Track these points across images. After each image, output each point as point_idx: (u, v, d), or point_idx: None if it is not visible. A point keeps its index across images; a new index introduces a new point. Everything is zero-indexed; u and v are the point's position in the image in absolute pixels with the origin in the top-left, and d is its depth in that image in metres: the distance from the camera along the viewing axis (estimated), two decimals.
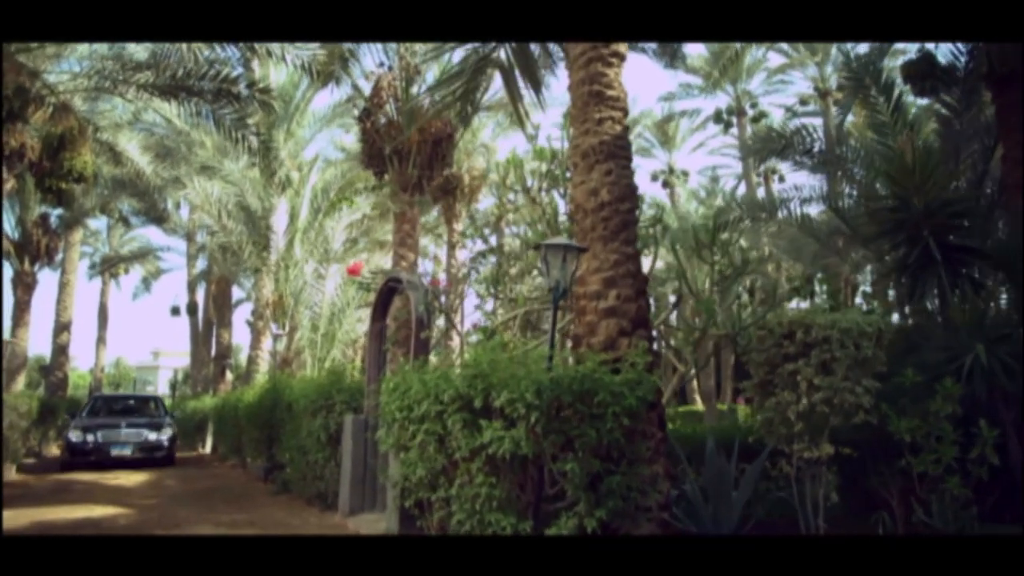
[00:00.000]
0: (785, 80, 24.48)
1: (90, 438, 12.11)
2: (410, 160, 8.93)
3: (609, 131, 5.37)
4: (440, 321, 7.10)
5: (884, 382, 5.17)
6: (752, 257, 6.36)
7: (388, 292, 7.47)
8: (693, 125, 26.78)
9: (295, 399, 8.95)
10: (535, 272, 7.41)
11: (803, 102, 24.58)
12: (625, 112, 5.55)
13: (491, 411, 4.37)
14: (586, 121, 5.42)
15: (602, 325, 5.00)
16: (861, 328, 5.22)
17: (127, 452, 12.21)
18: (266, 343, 16.77)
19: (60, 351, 21.22)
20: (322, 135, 18.02)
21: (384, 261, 13.66)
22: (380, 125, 9.15)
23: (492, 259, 7.07)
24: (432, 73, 9.95)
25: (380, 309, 7.60)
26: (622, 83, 5.59)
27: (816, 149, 10.24)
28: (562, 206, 6.63)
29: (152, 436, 12.59)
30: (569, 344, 5.90)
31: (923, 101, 11.55)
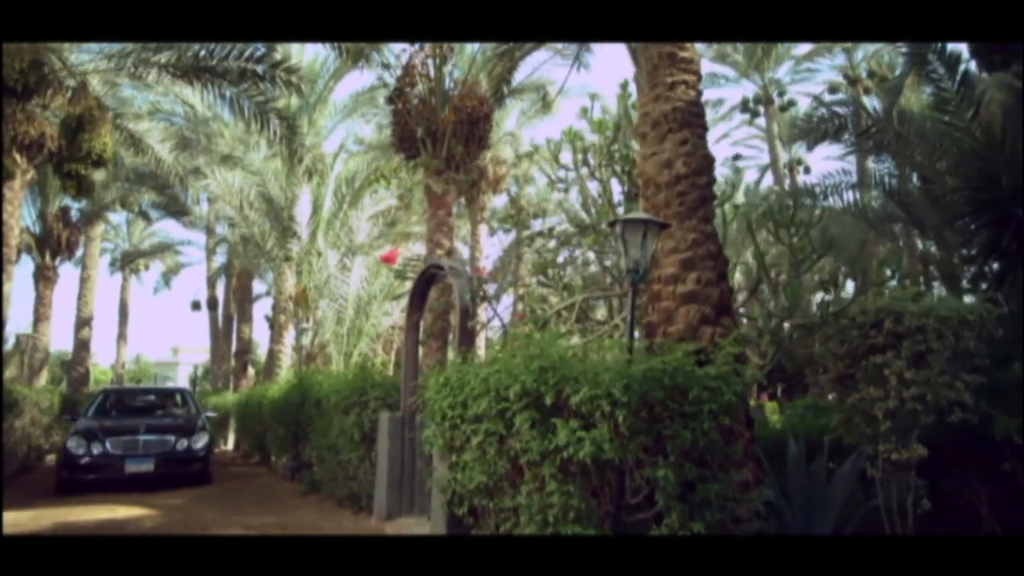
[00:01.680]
0: (812, 68, 23.71)
1: (97, 448, 8.47)
2: (445, 142, 8.41)
3: (683, 97, 4.81)
4: (481, 312, 6.56)
5: (984, 376, 4.61)
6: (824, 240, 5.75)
7: (427, 281, 6.97)
8: (717, 115, 26.06)
9: (325, 395, 8.49)
10: (585, 258, 6.88)
11: (832, 90, 23.73)
12: (699, 76, 4.99)
13: (562, 409, 3.85)
14: (656, 86, 4.86)
15: (681, 312, 4.45)
16: (961, 316, 4.64)
17: (148, 467, 8.60)
18: (288, 338, 16.40)
19: (82, 346, 21.08)
20: (342, 127, 17.67)
21: (410, 253, 13.17)
22: (412, 106, 8.64)
23: (538, 244, 6.52)
24: (468, 49, 9.44)
25: (418, 299, 7.09)
26: (694, 44, 5.03)
27: (872, 130, 9.58)
28: (614, 185, 6.08)
29: (182, 443, 8.96)
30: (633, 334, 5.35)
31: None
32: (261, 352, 27.55)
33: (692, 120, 4.80)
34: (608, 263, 6.06)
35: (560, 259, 6.58)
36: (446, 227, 8.44)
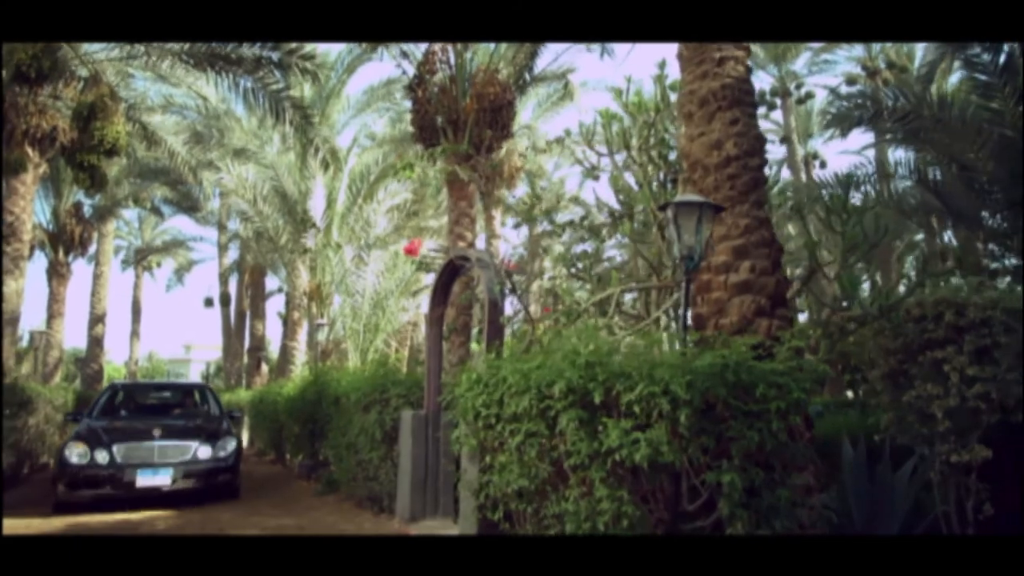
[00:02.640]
0: (829, 60, 23.21)
1: (101, 456, 6.86)
2: (466, 130, 8.12)
3: (732, 73, 4.49)
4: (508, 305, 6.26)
5: None
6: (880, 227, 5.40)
7: (451, 273, 6.68)
8: None
9: (344, 393, 8.23)
10: (618, 247, 6.55)
11: (850, 81, 23.22)
12: (748, 51, 4.66)
13: (612, 408, 3.55)
14: (703, 62, 4.54)
15: (734, 303, 4.13)
16: None
17: (164, 480, 7.01)
18: (301, 334, 16.20)
19: (95, 343, 21.00)
20: (356, 121, 17.42)
21: (428, 247, 12.89)
22: (432, 94, 8.35)
23: (568, 235, 6.20)
24: None
25: (441, 292, 6.81)
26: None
27: (910, 116, 9.17)
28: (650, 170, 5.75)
29: (204, 450, 7.39)
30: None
31: None
32: (273, 349, 27.44)
33: (742, 98, 4.48)
34: (643, 252, 5.74)
35: (586, 249, 6.26)
36: (468, 218, 8.16)
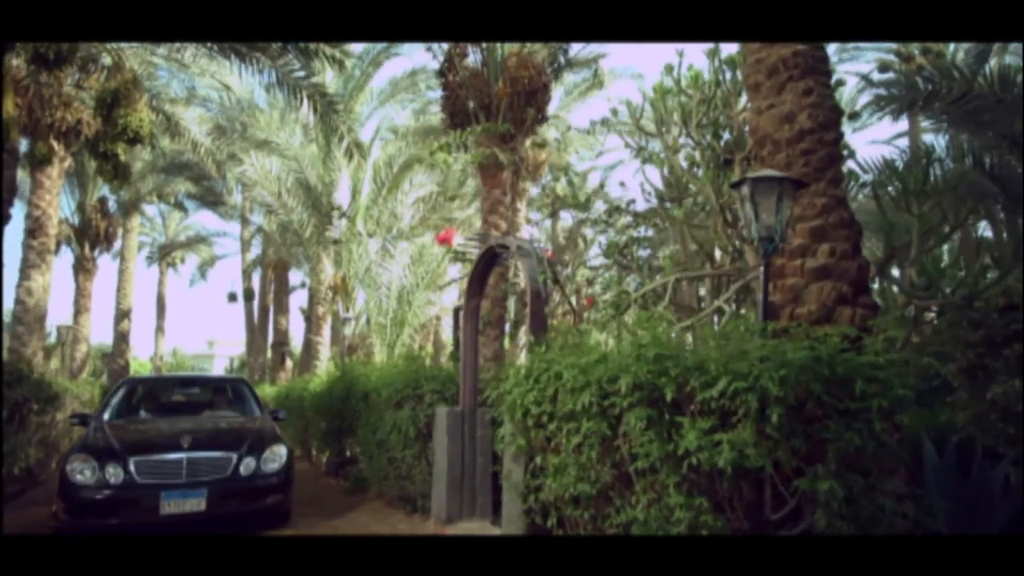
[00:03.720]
0: (860, 47, 22.48)
1: (115, 473, 5.21)
2: (499, 115, 7.78)
3: None
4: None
5: None
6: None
7: (487, 263, 6.35)
8: None
9: (374, 388, 7.96)
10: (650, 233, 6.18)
11: (883, 68, 22.49)
12: None
13: (684, 405, 3.20)
14: None
15: (812, 290, 3.75)
16: None
17: (196, 504, 5.28)
18: (326, 329, 16.03)
19: (121, 338, 21.07)
20: (380, 113, 17.19)
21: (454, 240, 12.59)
22: (464, 77, 8.01)
23: (614, 221, 5.84)
24: None
25: (477, 283, 6.48)
26: None
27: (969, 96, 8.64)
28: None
29: (247, 464, 5.61)
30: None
31: None
32: (295, 345, 27.42)
33: (816, 66, 4.08)
34: (696, 238, 5.35)
35: (634, 236, 5.89)
36: (502, 207, 7.82)
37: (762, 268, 3.35)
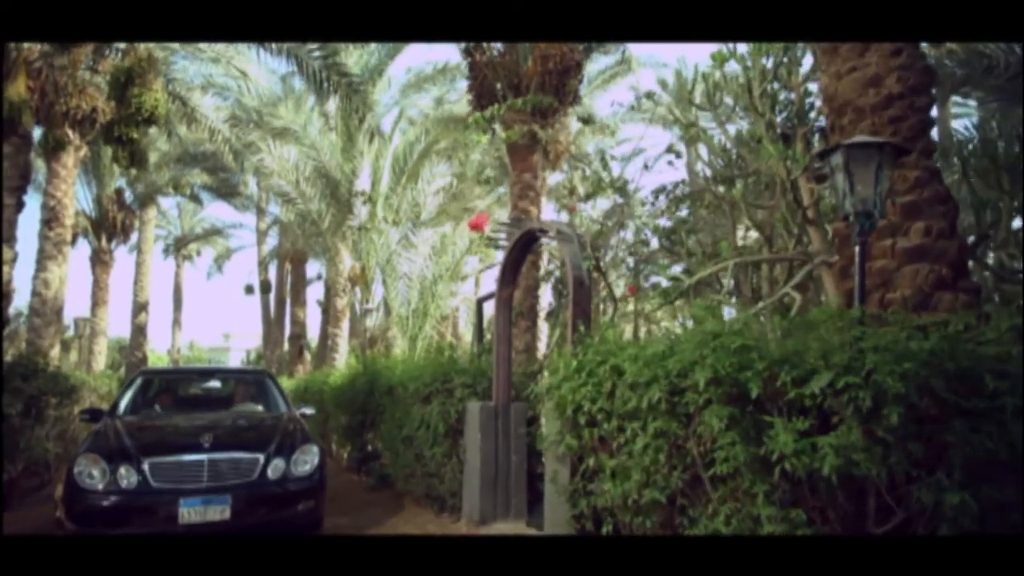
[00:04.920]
0: None
1: (128, 476, 4.68)
2: (528, 95, 7.37)
3: None
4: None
5: None
6: None
7: (522, 249, 5.98)
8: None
9: (399, 382, 7.63)
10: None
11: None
12: None
13: (771, 403, 2.81)
14: None
15: (905, 273, 3.34)
16: None
17: (220, 512, 4.72)
18: (344, 321, 15.75)
19: (139, 331, 21.00)
20: (398, 104, 16.82)
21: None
22: (491, 57, 7.62)
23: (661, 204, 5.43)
24: None
25: (511, 270, 6.11)
26: None
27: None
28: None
29: (276, 466, 5.06)
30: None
31: None
32: (311, 338, 27.26)
33: None
34: (755, 219, 4.93)
35: (682, 218, 5.48)
36: (532, 192, 7.42)
37: (858, 248, 2.94)
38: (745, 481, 2.80)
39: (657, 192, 5.53)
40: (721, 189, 5.10)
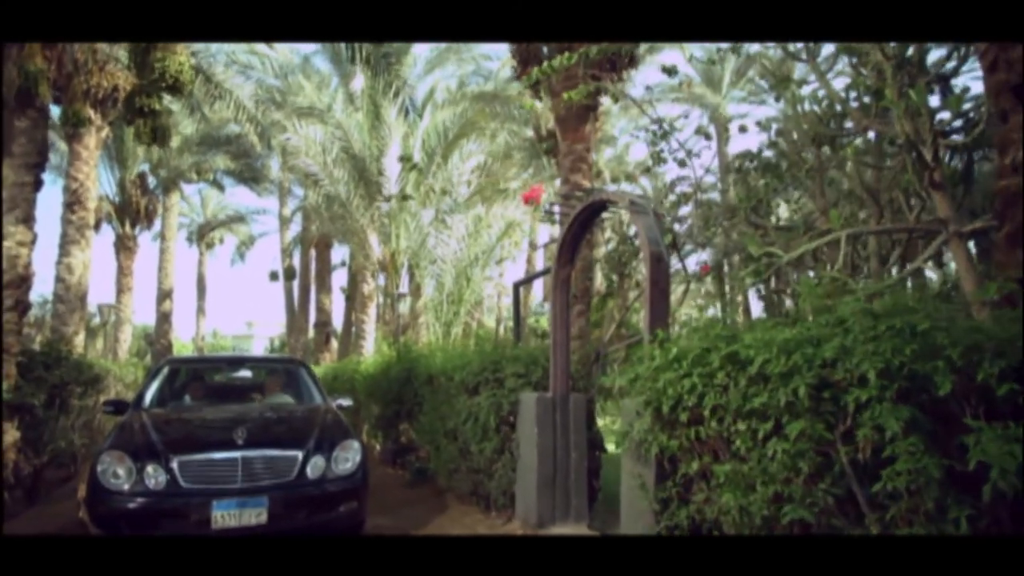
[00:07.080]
0: None
1: (155, 475, 4.22)
2: (581, 55, 6.71)
3: None
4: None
5: None
6: None
7: (582, 224, 5.38)
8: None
9: (440, 371, 7.11)
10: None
11: None
12: None
13: (963, 402, 2.21)
14: None
15: None
16: None
17: (256, 515, 4.26)
18: (371, 307, 15.31)
19: (163, 319, 20.83)
20: (427, 80, 16.27)
21: (511, 211, 11.54)
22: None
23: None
24: None
25: (569, 248, 5.53)
26: None
27: None
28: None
29: (316, 465, 4.60)
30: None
31: None
32: (335, 325, 26.99)
33: None
34: (867, 184, 4.27)
35: (773, 186, 4.84)
36: (585, 164, 6.78)
37: None
38: (927, 501, 2.20)
39: (741, 157, 4.88)
40: (820, 151, 4.44)
